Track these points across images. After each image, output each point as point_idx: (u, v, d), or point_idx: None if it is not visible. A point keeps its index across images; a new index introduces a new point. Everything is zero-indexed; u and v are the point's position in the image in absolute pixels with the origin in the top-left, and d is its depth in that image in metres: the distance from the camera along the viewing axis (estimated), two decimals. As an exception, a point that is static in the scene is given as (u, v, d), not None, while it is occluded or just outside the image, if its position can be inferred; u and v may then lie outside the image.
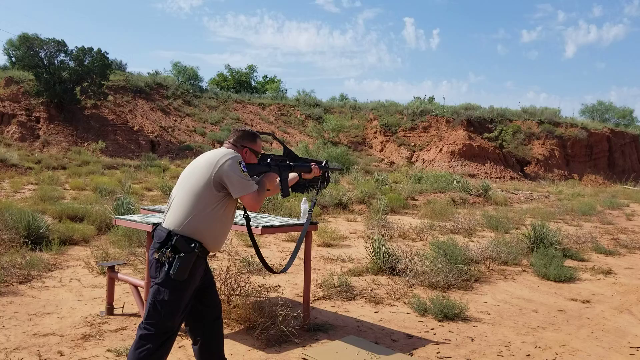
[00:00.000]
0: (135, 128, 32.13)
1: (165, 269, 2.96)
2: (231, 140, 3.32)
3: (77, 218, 9.62)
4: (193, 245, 2.97)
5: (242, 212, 3.56)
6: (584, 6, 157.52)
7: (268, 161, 3.44)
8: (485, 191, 19.32)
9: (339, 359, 3.99)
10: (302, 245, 4.71)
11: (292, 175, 3.61)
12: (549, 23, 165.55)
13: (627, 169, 38.97)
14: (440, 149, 35.68)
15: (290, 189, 3.58)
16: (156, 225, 3.18)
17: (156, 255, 2.99)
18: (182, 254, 2.94)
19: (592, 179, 36.21)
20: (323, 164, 3.73)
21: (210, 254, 3.23)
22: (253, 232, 3.63)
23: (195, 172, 3.12)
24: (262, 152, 3.46)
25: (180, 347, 4.14)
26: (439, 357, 4.19)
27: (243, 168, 3.08)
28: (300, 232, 3.87)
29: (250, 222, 3.53)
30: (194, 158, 3.33)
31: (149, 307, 3.01)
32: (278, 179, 3.46)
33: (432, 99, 46.51)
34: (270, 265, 3.68)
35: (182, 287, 2.99)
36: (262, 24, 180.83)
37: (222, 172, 3.03)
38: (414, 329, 4.88)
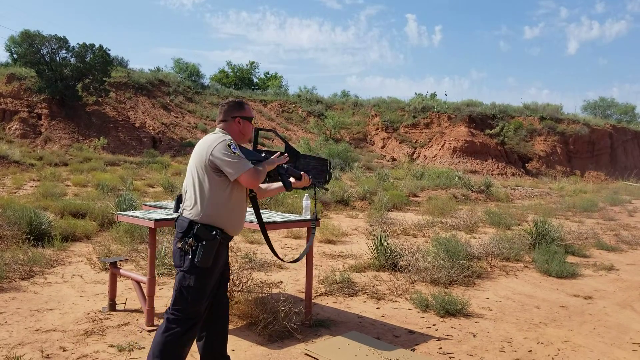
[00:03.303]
0: (137, 125, 32.12)
1: (189, 257, 3.04)
2: (220, 117, 3.34)
3: (79, 214, 9.63)
4: (214, 232, 3.07)
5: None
6: (587, 2, 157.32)
7: (263, 155, 3.40)
8: (487, 187, 19.33)
9: (341, 354, 3.99)
10: (303, 242, 4.71)
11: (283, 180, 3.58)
12: (552, 19, 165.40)
13: (629, 166, 38.93)
14: (442, 146, 35.66)
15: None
16: (178, 215, 3.26)
17: (179, 245, 3.09)
18: (204, 242, 3.03)
19: (593, 175, 36.18)
20: (326, 169, 3.68)
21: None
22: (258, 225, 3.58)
23: (194, 162, 3.19)
24: (263, 148, 3.44)
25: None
26: (441, 353, 4.19)
27: (234, 149, 3.08)
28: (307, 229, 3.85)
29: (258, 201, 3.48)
30: None
31: (175, 293, 3.10)
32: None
33: (434, 95, 46.46)
34: (278, 254, 3.67)
35: (207, 274, 3.09)
36: (264, 21, 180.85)
37: (215, 159, 3.07)
38: (416, 324, 4.88)
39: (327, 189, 3.80)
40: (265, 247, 8.08)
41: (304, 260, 4.92)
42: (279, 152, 3.45)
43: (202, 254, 3.01)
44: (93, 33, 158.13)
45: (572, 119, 40.29)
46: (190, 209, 3.13)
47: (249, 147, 3.44)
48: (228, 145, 3.08)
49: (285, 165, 3.44)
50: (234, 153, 3.07)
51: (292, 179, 3.48)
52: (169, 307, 3.13)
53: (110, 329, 4.44)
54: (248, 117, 3.35)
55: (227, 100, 3.42)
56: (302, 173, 3.54)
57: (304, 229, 6.27)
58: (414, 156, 36.22)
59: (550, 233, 8.66)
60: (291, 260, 3.72)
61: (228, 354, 3.45)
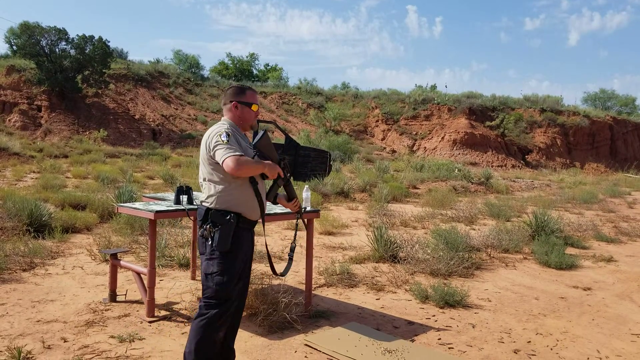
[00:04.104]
0: (137, 116, 32.09)
1: (210, 243, 3.12)
2: (223, 102, 3.37)
3: (79, 206, 9.64)
4: (228, 217, 3.11)
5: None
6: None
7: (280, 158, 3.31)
8: (487, 179, 19.32)
9: (340, 345, 4.00)
10: (304, 234, 4.73)
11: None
12: (553, 11, 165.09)
13: (629, 157, 38.90)
14: (442, 138, 35.63)
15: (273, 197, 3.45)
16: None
17: (200, 232, 3.18)
18: (219, 226, 3.10)
19: (593, 167, 36.17)
20: (327, 162, 3.67)
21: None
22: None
23: (201, 154, 3.26)
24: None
25: (182, 333, 4.16)
26: (440, 344, 4.21)
27: (224, 138, 3.07)
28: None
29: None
30: (196, 147, 3.34)
31: (202, 281, 3.17)
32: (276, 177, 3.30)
33: (434, 87, 46.41)
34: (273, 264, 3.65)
35: (229, 258, 3.12)
36: (264, 12, 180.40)
37: (211, 149, 3.11)
38: (415, 315, 4.90)
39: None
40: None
41: (303, 251, 4.93)
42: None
43: (219, 238, 3.08)
44: (92, 24, 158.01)
45: (572, 110, 40.23)
46: (206, 199, 3.20)
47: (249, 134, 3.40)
48: (219, 134, 3.10)
49: (288, 175, 3.37)
50: (223, 141, 3.06)
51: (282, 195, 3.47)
52: (202, 296, 3.19)
53: (110, 320, 4.46)
54: (246, 102, 3.31)
55: (230, 85, 3.42)
56: (295, 199, 3.51)
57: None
58: (414, 148, 36.21)
59: (550, 225, 8.67)
60: (280, 272, 3.67)
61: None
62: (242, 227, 3.19)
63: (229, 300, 3.14)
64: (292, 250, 3.70)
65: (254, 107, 3.35)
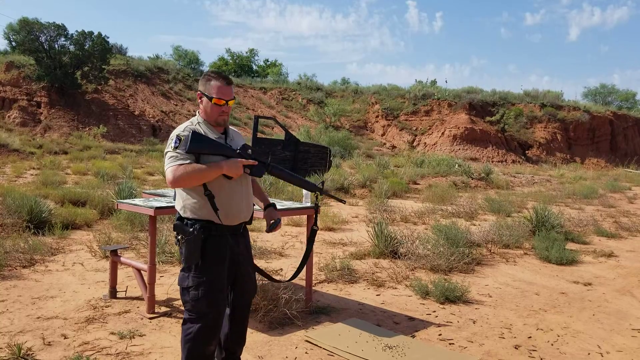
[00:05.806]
0: (136, 113, 32.03)
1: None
2: None
3: (79, 202, 9.62)
4: (192, 229, 2.84)
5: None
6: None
7: (238, 149, 2.89)
8: (487, 175, 19.29)
9: (341, 341, 4.00)
10: (304, 230, 4.72)
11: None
12: (553, 6, 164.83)
13: (629, 152, 38.85)
14: (442, 133, 35.57)
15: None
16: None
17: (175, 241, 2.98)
18: (185, 238, 2.85)
19: (594, 162, 36.13)
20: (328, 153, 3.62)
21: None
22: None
23: None
24: (263, 136, 3.37)
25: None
26: (440, 339, 4.21)
27: (174, 143, 2.78)
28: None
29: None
30: None
31: (180, 293, 2.98)
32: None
33: (434, 82, 46.25)
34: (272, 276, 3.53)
35: (203, 271, 2.87)
36: (264, 8, 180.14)
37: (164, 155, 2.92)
38: (415, 311, 4.90)
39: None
40: (266, 235, 8.08)
41: (304, 247, 4.92)
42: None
43: (184, 250, 2.85)
44: (91, 20, 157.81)
45: (572, 105, 40.14)
46: (179, 208, 2.97)
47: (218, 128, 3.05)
48: (171, 139, 2.82)
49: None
50: (173, 147, 2.79)
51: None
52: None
53: (111, 317, 4.46)
54: (208, 95, 2.89)
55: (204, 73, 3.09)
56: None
57: (304, 217, 6.27)
58: (414, 144, 36.15)
59: (550, 220, 8.67)
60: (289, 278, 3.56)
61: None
62: (216, 235, 2.89)
63: (209, 313, 2.88)
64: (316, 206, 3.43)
65: (217, 101, 2.88)
